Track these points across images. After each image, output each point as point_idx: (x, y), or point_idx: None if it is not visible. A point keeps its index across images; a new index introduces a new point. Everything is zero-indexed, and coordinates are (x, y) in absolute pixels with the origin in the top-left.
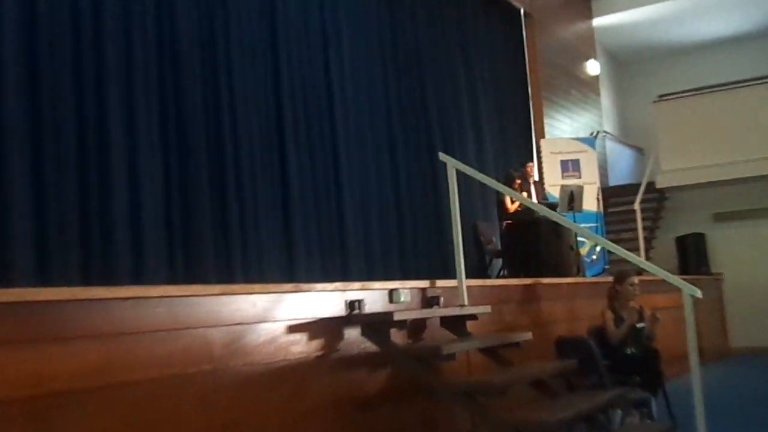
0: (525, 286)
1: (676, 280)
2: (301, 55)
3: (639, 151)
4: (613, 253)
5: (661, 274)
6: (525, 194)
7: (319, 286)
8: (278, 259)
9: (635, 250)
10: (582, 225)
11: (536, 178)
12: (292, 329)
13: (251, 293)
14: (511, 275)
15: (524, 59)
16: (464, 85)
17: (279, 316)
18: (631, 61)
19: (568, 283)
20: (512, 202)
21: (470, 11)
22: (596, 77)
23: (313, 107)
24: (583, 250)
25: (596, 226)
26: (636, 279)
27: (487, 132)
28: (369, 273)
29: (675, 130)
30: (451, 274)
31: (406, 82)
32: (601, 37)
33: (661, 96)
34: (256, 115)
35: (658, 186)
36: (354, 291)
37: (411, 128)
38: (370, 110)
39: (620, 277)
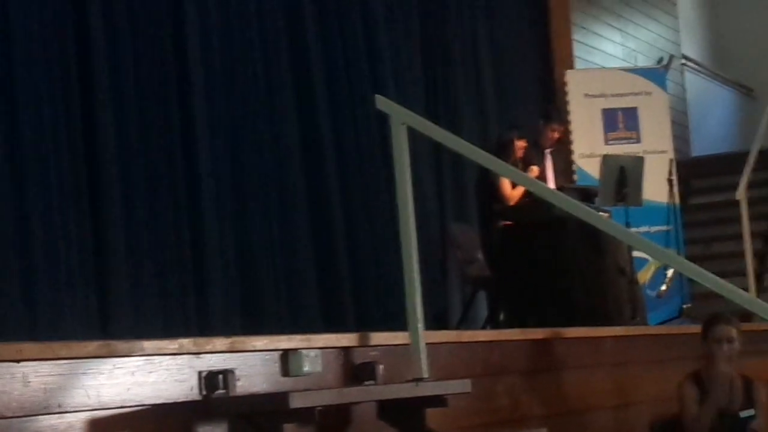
0: (535, 342)
1: None
2: None
3: (745, 92)
4: (698, 282)
5: None
6: (534, 172)
7: (150, 344)
8: (81, 299)
9: (739, 275)
10: (642, 229)
11: (557, 142)
12: (95, 427)
13: (17, 360)
14: (510, 322)
15: None
16: None
17: (71, 401)
18: None
19: (616, 337)
20: (513, 186)
21: None
22: None
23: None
24: (645, 275)
25: (668, 231)
26: (734, 330)
27: (466, 64)
28: (248, 321)
29: None
30: (399, 321)
31: None
32: None
33: None
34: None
35: None
36: (216, 355)
37: (335, 63)
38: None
39: (707, 326)
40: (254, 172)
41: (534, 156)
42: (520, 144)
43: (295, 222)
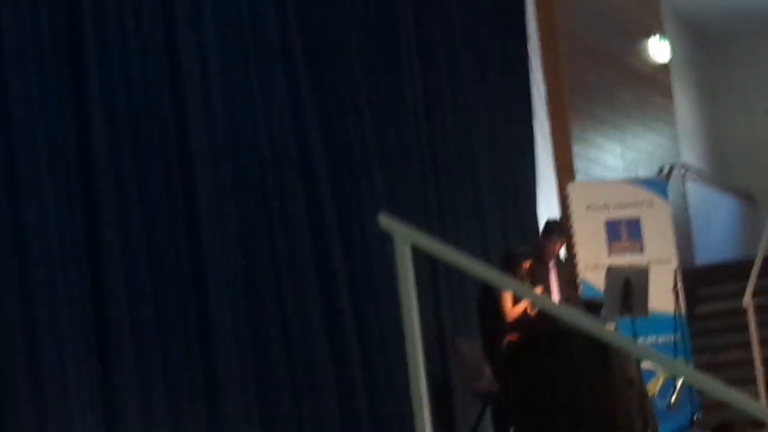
0: None
1: None
2: None
3: (748, 199)
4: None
5: None
6: (539, 288)
7: None
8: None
9: (748, 383)
10: (649, 340)
11: (561, 256)
12: None
13: None
14: None
15: (524, 39)
16: (420, 93)
17: None
18: (730, 38)
19: None
20: (513, 303)
21: None
22: (666, 68)
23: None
24: (654, 387)
25: (675, 341)
26: None
27: (464, 176)
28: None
29: None
30: None
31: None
32: None
33: None
34: None
35: None
36: None
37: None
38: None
39: None
40: (267, 289)
41: (539, 271)
42: (527, 264)
43: (312, 341)
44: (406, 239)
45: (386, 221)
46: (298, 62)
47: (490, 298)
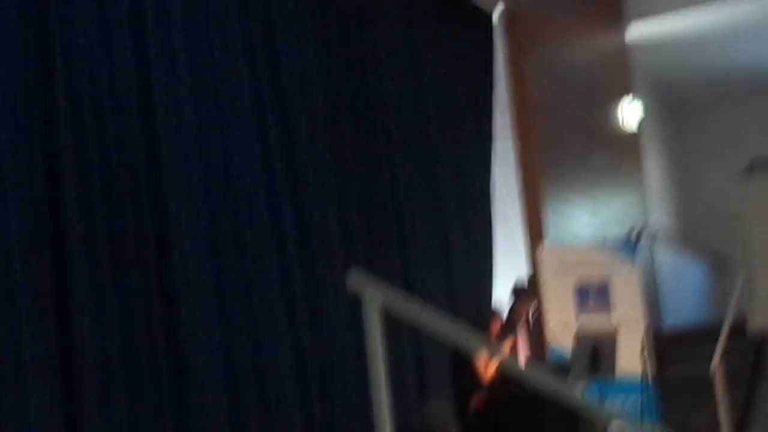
0: None
1: None
2: None
3: (717, 263)
4: None
5: None
6: (508, 344)
7: None
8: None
9: None
10: (617, 401)
11: (530, 318)
12: None
13: None
14: None
15: (491, 103)
16: (396, 151)
17: None
18: (702, 103)
19: None
20: (486, 366)
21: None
22: (636, 135)
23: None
24: None
25: (642, 404)
26: None
27: (438, 234)
28: None
29: None
30: None
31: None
32: (644, 59)
33: (753, 164)
34: None
35: (752, 331)
36: None
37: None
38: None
39: None
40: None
41: (507, 332)
42: (496, 324)
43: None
44: (375, 301)
45: (356, 281)
46: (267, 115)
47: (461, 359)
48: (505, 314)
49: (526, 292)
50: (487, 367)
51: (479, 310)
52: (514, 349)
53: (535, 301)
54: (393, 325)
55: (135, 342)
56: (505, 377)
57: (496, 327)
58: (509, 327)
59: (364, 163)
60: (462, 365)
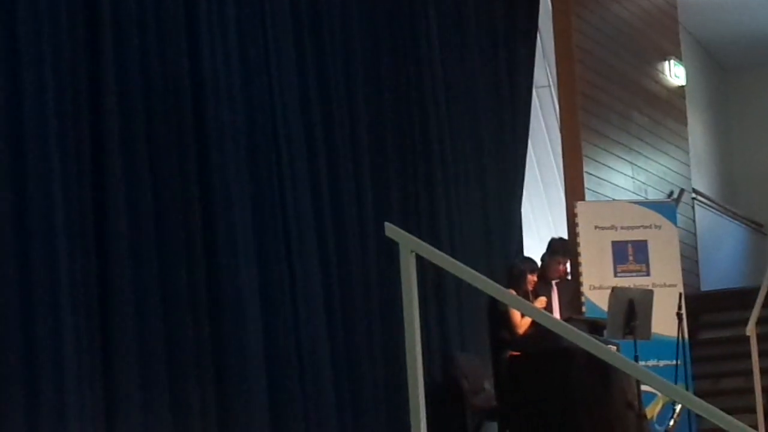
0: None
1: None
2: None
3: (755, 227)
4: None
5: None
6: (542, 302)
7: None
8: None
9: (748, 411)
10: (650, 363)
11: (567, 275)
12: None
13: None
14: None
15: (532, 55)
16: (431, 109)
17: None
18: (742, 67)
19: None
20: (522, 315)
21: None
22: (681, 92)
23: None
24: (652, 410)
25: (677, 365)
26: None
27: (475, 186)
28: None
29: None
30: None
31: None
32: (691, 22)
33: None
34: None
35: None
36: None
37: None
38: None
39: None
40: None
41: (542, 288)
42: (532, 278)
43: (317, 336)
44: (410, 247)
45: (392, 229)
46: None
47: (496, 311)
48: (540, 269)
49: (561, 250)
50: (522, 320)
51: (514, 266)
52: (547, 304)
53: (570, 259)
54: (428, 278)
55: (173, 278)
56: (540, 331)
57: (532, 281)
58: (544, 282)
59: (399, 113)
60: (498, 318)
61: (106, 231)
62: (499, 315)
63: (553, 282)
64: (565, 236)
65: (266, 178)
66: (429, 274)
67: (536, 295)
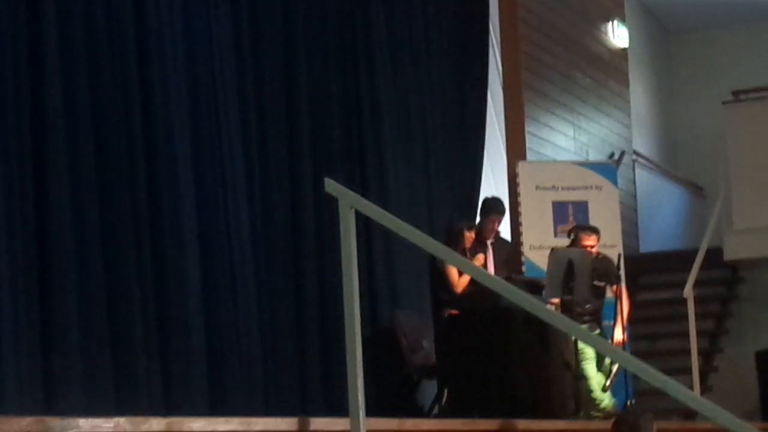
0: None
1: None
2: None
3: (695, 190)
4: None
5: (726, 421)
6: (480, 260)
7: (85, 422)
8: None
9: (684, 372)
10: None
11: (502, 233)
12: None
13: None
14: (454, 411)
15: (486, 16)
16: (378, 64)
17: None
18: (686, 30)
19: (559, 431)
20: (460, 274)
21: None
22: (623, 54)
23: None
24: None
25: (614, 326)
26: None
27: (418, 147)
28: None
29: (762, 157)
30: (339, 407)
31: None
32: None
33: (737, 93)
34: None
35: (728, 257)
36: None
37: (271, 134)
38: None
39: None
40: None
41: (477, 247)
42: (469, 235)
43: (247, 309)
44: (350, 203)
45: (332, 185)
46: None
47: (435, 270)
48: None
49: (495, 208)
50: (460, 279)
51: (452, 224)
52: (484, 263)
53: (503, 217)
54: (367, 234)
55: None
56: (478, 290)
57: (470, 239)
58: (479, 241)
59: (344, 74)
60: (436, 276)
61: (47, 192)
62: (437, 274)
63: (488, 242)
64: (506, 195)
65: (207, 135)
66: (375, 232)
67: (474, 254)
